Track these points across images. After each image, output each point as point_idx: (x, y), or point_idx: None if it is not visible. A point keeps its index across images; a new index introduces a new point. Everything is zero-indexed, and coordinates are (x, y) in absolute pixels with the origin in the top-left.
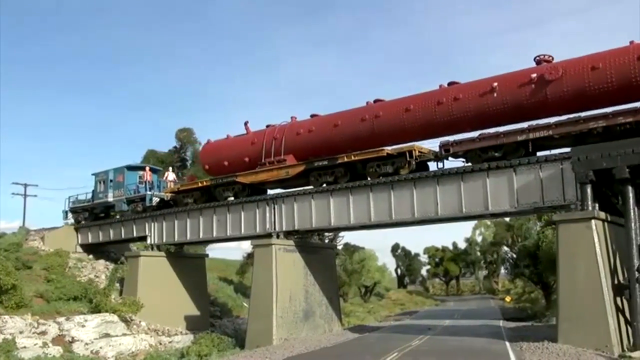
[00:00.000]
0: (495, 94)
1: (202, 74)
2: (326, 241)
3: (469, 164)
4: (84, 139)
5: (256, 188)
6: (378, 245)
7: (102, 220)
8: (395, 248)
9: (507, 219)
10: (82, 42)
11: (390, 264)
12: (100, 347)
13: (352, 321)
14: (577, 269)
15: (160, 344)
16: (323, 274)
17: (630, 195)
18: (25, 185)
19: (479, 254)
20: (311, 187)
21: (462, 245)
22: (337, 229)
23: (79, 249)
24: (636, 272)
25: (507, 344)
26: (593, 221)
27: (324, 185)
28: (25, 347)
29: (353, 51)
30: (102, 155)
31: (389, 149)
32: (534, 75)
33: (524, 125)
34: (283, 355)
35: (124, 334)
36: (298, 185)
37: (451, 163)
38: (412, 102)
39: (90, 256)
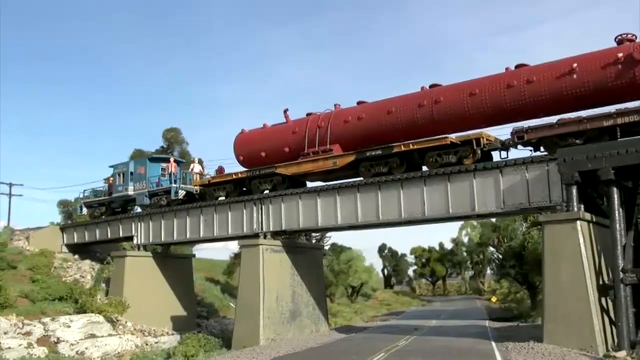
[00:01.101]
0: (574, 76)
1: (190, 73)
2: (313, 241)
3: (538, 152)
4: (69, 138)
5: (296, 180)
6: (365, 245)
7: (88, 220)
8: (382, 248)
9: (493, 220)
10: (67, 42)
11: (377, 264)
12: (86, 348)
13: (339, 321)
14: (562, 269)
15: (147, 344)
16: (310, 274)
17: (615, 196)
18: (10, 185)
19: (465, 254)
20: (298, 188)
21: (448, 245)
22: (325, 229)
23: (65, 249)
24: (621, 273)
25: (493, 344)
26: (578, 222)
27: (375, 177)
28: (9, 347)
29: (343, 52)
30: (88, 155)
31: (452, 136)
32: (621, 54)
33: (610, 109)
34: (270, 355)
35: (110, 335)
36: (345, 177)
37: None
38: (478, 86)
39: (76, 256)
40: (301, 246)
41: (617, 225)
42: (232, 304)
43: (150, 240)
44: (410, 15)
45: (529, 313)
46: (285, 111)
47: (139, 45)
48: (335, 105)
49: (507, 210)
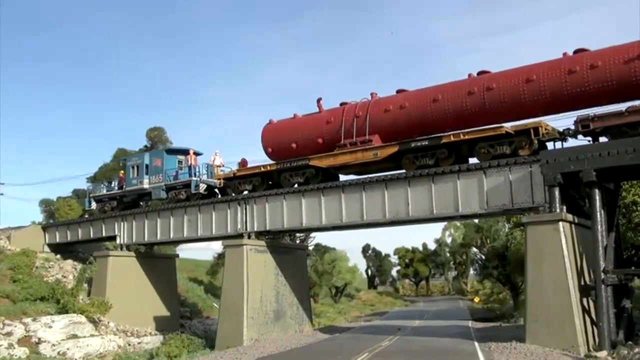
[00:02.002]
0: None
1: (175, 73)
2: (297, 242)
3: (606, 139)
4: (51, 137)
5: (329, 173)
6: (349, 245)
7: (71, 219)
8: (365, 249)
9: (477, 221)
10: (50, 41)
11: (361, 264)
12: (67, 348)
13: (322, 322)
14: (544, 270)
15: (129, 344)
16: (294, 274)
17: (597, 198)
18: None
19: (448, 255)
20: (282, 188)
21: (432, 246)
22: (309, 230)
23: (47, 249)
24: (602, 274)
25: (476, 344)
26: (561, 223)
27: (419, 169)
28: None
29: (330, 53)
30: (71, 154)
31: (507, 126)
32: None
33: None
34: (253, 355)
35: (92, 335)
36: (385, 170)
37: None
38: (535, 72)
39: (58, 256)
40: (285, 246)
41: (599, 227)
42: (215, 304)
43: (134, 240)
44: (396, 17)
45: (512, 313)
46: (319, 100)
47: (124, 44)
48: (372, 93)
49: (490, 211)
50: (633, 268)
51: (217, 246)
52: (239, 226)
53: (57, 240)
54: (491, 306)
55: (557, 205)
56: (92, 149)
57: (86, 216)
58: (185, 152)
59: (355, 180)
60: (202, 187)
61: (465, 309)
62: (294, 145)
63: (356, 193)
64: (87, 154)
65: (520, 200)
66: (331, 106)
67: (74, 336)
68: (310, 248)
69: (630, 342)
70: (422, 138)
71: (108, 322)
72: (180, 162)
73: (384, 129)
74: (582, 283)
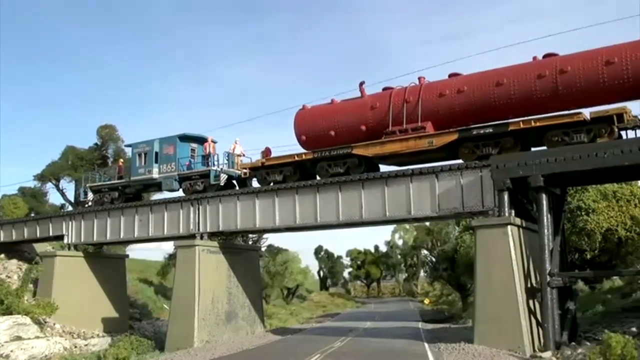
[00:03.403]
0: None
1: (128, 71)
2: (250, 243)
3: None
4: None
5: (372, 163)
6: (302, 247)
7: (17, 218)
8: (318, 250)
9: (428, 224)
10: None
11: (313, 266)
12: (11, 351)
13: (274, 323)
14: (493, 272)
15: (76, 347)
16: (246, 275)
17: (544, 202)
18: None
19: (399, 257)
20: (238, 189)
21: (383, 248)
22: (263, 231)
23: None
24: (548, 276)
25: (426, 345)
26: (509, 227)
27: (479, 159)
28: None
29: (285, 54)
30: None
31: (586, 112)
32: None
33: None
34: (204, 357)
35: (37, 337)
36: (437, 160)
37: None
38: (616, 54)
39: (2, 255)
40: (238, 247)
41: (546, 231)
42: (166, 306)
43: (82, 240)
44: (354, 21)
45: (460, 315)
46: (361, 84)
47: (74, 39)
48: (419, 77)
49: (442, 215)
50: (577, 271)
51: (168, 246)
52: (191, 227)
53: (2, 239)
54: (441, 308)
55: (506, 209)
56: (39, 147)
57: (32, 215)
58: (199, 139)
59: (310, 183)
60: (223, 177)
61: (416, 310)
62: (332, 133)
63: (310, 195)
64: (33, 152)
65: (470, 204)
66: (284, 106)
67: (18, 338)
68: (263, 249)
69: (573, 343)
70: (485, 125)
71: (54, 324)
72: (193, 150)
73: (437, 115)
74: (529, 285)
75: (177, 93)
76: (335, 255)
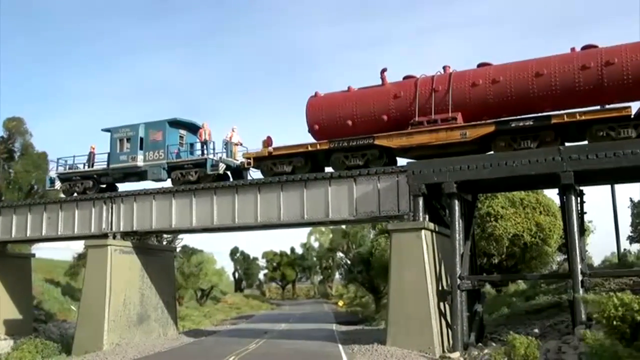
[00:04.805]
0: None
1: (36, 64)
2: (165, 243)
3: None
4: None
5: (392, 156)
6: (219, 248)
7: None
8: (234, 252)
9: (344, 226)
10: None
11: (229, 267)
12: None
13: (187, 325)
14: (406, 275)
15: None
16: (160, 276)
17: (457, 208)
18: None
19: (315, 259)
20: (154, 187)
21: (299, 250)
22: (179, 231)
23: None
24: (458, 280)
25: (340, 346)
26: (423, 231)
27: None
28: None
29: (198, 54)
30: None
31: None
32: None
33: None
34: None
35: None
36: (467, 153)
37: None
38: None
39: None
40: (152, 248)
41: (457, 235)
42: (73, 307)
43: None
44: (274, 22)
45: (374, 317)
46: (383, 72)
47: None
48: (445, 67)
49: (359, 218)
50: (485, 274)
51: (77, 246)
52: (104, 226)
53: None
54: (355, 310)
55: (421, 214)
56: None
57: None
58: (189, 125)
59: (228, 184)
60: (222, 167)
61: (330, 312)
62: (349, 123)
63: (228, 196)
64: None
65: (387, 208)
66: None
67: None
68: (178, 250)
69: (480, 344)
70: (525, 117)
71: None
72: (182, 137)
73: (469, 106)
74: (440, 288)
75: (91, 87)
76: (251, 257)
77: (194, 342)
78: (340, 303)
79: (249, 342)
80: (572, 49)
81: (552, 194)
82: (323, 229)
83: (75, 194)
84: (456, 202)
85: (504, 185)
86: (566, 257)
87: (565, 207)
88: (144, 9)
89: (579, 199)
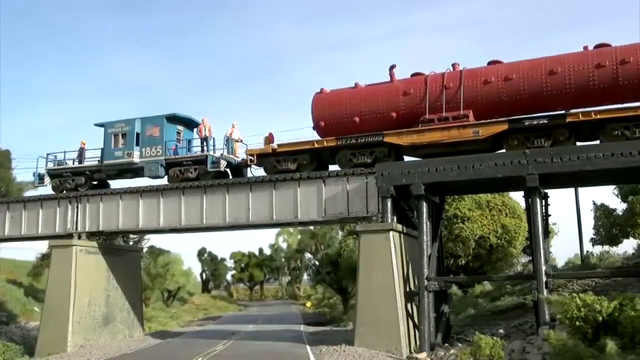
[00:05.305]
0: None
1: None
2: (131, 243)
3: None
4: None
5: (400, 153)
6: (186, 248)
7: None
8: (201, 252)
9: (312, 227)
10: None
11: (196, 268)
12: None
13: (154, 326)
14: (374, 276)
15: None
16: (126, 277)
17: (424, 210)
18: None
19: (283, 260)
20: (120, 187)
21: (268, 251)
22: (146, 232)
23: None
24: (425, 281)
25: (308, 347)
26: (391, 233)
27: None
28: None
29: (172, 53)
30: None
31: None
32: None
33: None
34: None
35: None
36: (477, 152)
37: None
38: None
39: None
40: (118, 248)
41: (425, 237)
42: (37, 309)
43: None
44: (244, 23)
45: (342, 318)
46: (392, 68)
47: None
48: (454, 64)
49: (328, 219)
50: (452, 276)
51: (41, 246)
52: (69, 226)
53: None
54: (322, 311)
55: (389, 215)
56: None
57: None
58: (186, 121)
59: (196, 184)
60: (223, 164)
61: (298, 313)
62: (356, 120)
63: (197, 196)
64: None
65: (355, 210)
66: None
67: None
68: (145, 250)
69: (446, 344)
70: (539, 115)
71: None
72: (179, 133)
73: (480, 104)
74: (407, 289)
75: (55, 86)
76: (219, 258)
77: (160, 344)
78: (308, 304)
79: (216, 343)
80: (585, 48)
81: (517, 197)
82: (291, 229)
83: (65, 191)
84: (424, 203)
85: (471, 187)
86: (531, 258)
87: (530, 210)
88: (115, 5)
89: (543, 201)
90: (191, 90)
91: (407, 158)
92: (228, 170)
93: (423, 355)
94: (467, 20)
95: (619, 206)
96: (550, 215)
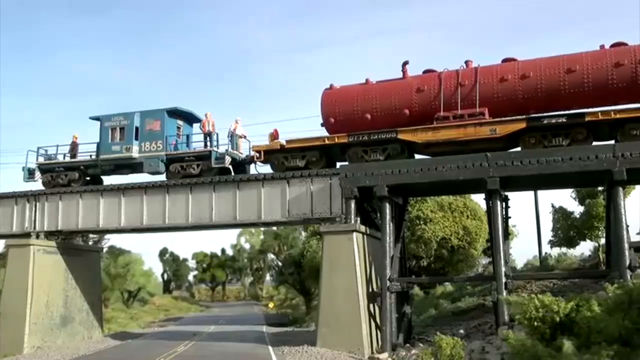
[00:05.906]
0: None
1: None
2: (90, 243)
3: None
4: None
5: (413, 151)
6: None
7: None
8: (163, 252)
9: (275, 228)
10: None
11: (157, 268)
12: None
13: (113, 328)
14: (337, 277)
15: None
16: (85, 277)
17: (388, 211)
18: None
19: (246, 260)
20: (79, 186)
21: (230, 251)
22: (107, 231)
23: None
24: (388, 282)
25: (270, 348)
26: (354, 234)
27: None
28: None
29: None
30: None
31: None
32: None
33: None
34: None
35: None
36: (492, 150)
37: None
38: None
39: None
40: (77, 248)
41: (388, 238)
42: None
43: None
44: (211, 23)
45: (304, 318)
46: (405, 64)
47: None
48: (467, 61)
49: (292, 220)
50: (414, 277)
51: None
52: (26, 225)
53: None
54: (285, 312)
55: (352, 216)
56: None
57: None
58: (187, 116)
59: (159, 183)
60: (228, 160)
61: (260, 314)
62: (367, 116)
63: (159, 195)
64: None
65: (319, 210)
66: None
67: None
68: (105, 250)
69: (408, 345)
70: (557, 114)
71: None
72: (179, 127)
73: (496, 101)
74: (370, 290)
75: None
76: (181, 258)
77: (119, 345)
78: (271, 305)
79: (177, 344)
80: (602, 46)
81: (479, 199)
82: (253, 230)
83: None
84: (387, 205)
85: (433, 189)
86: (491, 260)
87: (490, 212)
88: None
89: (504, 204)
90: (159, 89)
91: (417, 156)
92: (231, 166)
93: (385, 355)
94: (440, 20)
95: (577, 209)
96: (510, 218)
